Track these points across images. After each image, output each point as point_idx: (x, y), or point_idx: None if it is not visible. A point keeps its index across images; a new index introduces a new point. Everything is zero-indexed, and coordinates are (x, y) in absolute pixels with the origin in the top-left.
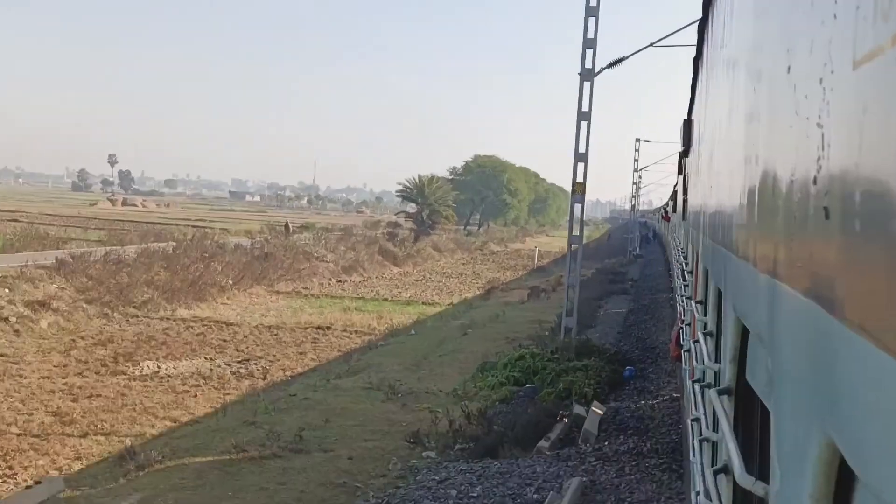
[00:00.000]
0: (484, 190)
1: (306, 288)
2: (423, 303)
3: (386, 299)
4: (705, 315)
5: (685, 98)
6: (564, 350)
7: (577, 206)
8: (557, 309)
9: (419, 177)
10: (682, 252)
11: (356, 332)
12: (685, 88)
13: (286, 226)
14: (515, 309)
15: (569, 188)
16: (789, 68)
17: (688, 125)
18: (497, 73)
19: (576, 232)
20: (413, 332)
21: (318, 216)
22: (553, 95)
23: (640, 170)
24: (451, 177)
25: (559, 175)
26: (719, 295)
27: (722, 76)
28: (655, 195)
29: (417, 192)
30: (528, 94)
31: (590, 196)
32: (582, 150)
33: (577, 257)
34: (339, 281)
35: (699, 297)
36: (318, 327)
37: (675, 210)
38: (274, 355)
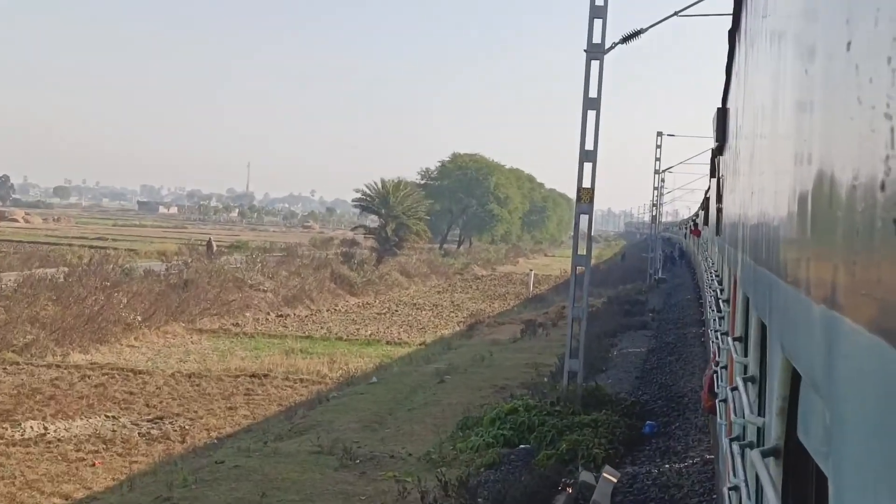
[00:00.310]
0: (465, 198)
1: (237, 325)
2: (387, 342)
3: (340, 338)
4: (745, 356)
5: (718, 81)
6: (568, 401)
7: (584, 218)
8: (559, 349)
9: (382, 182)
10: (716, 275)
11: (302, 380)
12: (718, 69)
13: (209, 244)
14: (506, 349)
15: (572, 195)
16: (849, 44)
17: (722, 115)
18: (481, 55)
19: (581, 251)
20: (375, 379)
21: (252, 233)
22: (554, 83)
23: (663, 171)
24: (422, 181)
25: (560, 180)
26: (763, 330)
27: (765, 53)
28: (682, 204)
29: (380, 201)
30: (521, 81)
31: (599, 205)
32: (589, 146)
33: (584, 283)
34: (280, 315)
35: (737, 333)
36: (253, 375)
37: (706, 222)
38: (195, 411)
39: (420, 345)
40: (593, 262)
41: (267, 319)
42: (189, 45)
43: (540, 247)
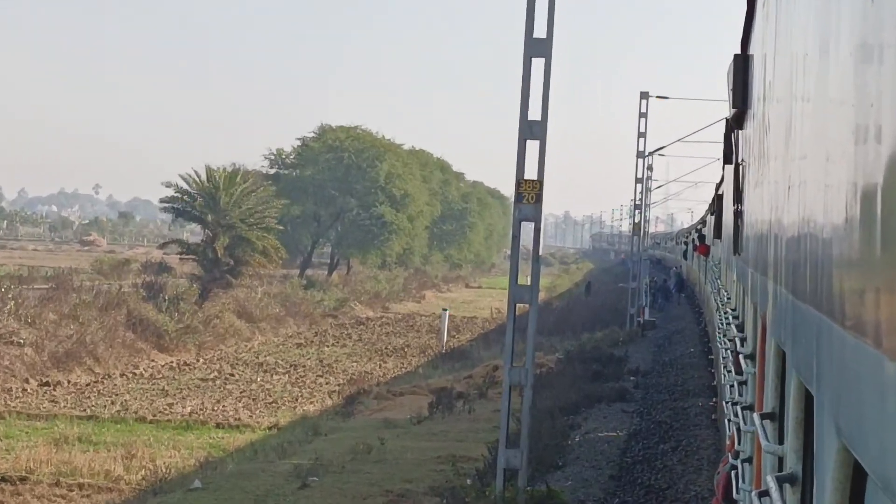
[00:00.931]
0: (340, 196)
1: None
2: (218, 425)
3: (143, 419)
4: (780, 442)
5: (734, 19)
6: None
7: (528, 227)
8: (490, 433)
9: (208, 171)
10: (734, 317)
11: (82, 486)
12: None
13: None
14: (406, 434)
15: (508, 192)
16: None
17: (742, 67)
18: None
19: (524, 279)
20: (199, 484)
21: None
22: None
23: (651, 154)
24: (272, 169)
25: (490, 170)
26: (808, 402)
27: None
28: (680, 205)
29: (205, 201)
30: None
31: (552, 207)
32: (535, 115)
33: (529, 330)
34: (46, 384)
35: (768, 408)
36: (2, 479)
37: (717, 234)
38: None
39: (270, 428)
40: (543, 295)
41: (24, 390)
42: None
43: (458, 273)
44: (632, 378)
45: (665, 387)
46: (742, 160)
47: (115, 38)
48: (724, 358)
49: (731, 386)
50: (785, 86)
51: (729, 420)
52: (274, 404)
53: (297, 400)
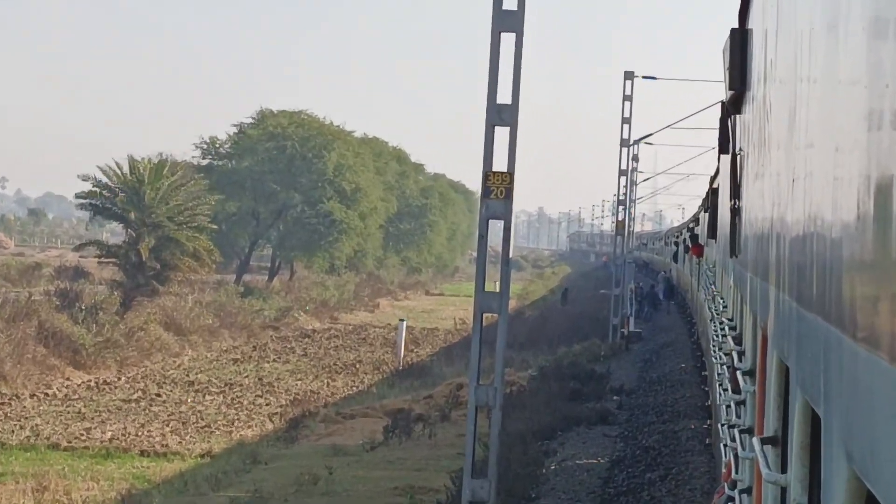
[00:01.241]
0: (282, 190)
1: None
2: (142, 452)
3: (56, 445)
4: (783, 471)
5: None
6: None
7: (497, 226)
8: (453, 461)
9: (131, 162)
10: (731, 328)
11: None
12: None
13: None
14: (358, 463)
15: (474, 186)
16: None
17: (740, 42)
18: None
19: (493, 286)
20: None
21: None
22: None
23: (637, 143)
24: (204, 160)
25: (453, 163)
26: (815, 426)
27: None
28: (670, 200)
29: (128, 197)
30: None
31: (524, 203)
32: (504, 98)
33: (498, 343)
34: None
35: (770, 431)
36: None
37: (712, 233)
38: None
39: (202, 456)
40: (514, 304)
41: None
42: None
43: (417, 278)
44: (615, 398)
45: (652, 407)
46: (740, 149)
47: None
48: (719, 374)
49: (728, 406)
50: (788, 64)
51: (725, 445)
52: (207, 429)
53: (233, 423)
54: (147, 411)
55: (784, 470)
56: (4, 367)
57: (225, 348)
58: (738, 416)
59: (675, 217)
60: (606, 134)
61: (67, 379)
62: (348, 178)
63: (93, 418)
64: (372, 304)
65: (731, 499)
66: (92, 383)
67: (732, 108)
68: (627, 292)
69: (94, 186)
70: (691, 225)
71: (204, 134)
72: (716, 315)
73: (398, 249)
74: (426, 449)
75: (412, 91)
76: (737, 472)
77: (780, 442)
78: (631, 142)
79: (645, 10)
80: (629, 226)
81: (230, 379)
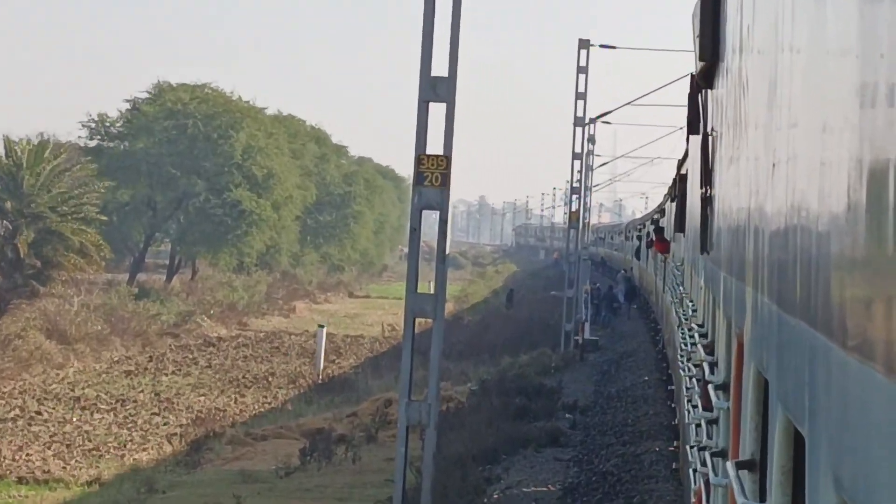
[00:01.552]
0: (183, 176)
1: None
2: (19, 480)
3: None
4: (762, 500)
5: None
6: None
7: (431, 217)
8: (380, 489)
9: (7, 143)
10: (700, 333)
11: None
12: None
13: None
14: (270, 490)
15: (404, 171)
16: None
17: (712, 7)
18: None
19: (425, 287)
20: None
21: None
22: None
23: (593, 121)
24: (92, 141)
25: (381, 146)
26: (798, 446)
27: None
28: (631, 188)
29: (3, 183)
30: None
31: (463, 191)
32: (439, 69)
33: (433, 352)
34: None
35: (745, 454)
36: None
37: (680, 227)
38: None
39: (90, 484)
40: (451, 307)
41: None
42: None
43: (339, 278)
44: (568, 416)
45: (611, 427)
46: (712, 129)
47: None
48: (688, 389)
49: (698, 426)
50: (768, 32)
51: (695, 470)
52: (95, 452)
53: (125, 446)
54: (25, 432)
55: (763, 498)
56: None
57: (116, 359)
58: (710, 437)
59: (638, 207)
60: (558, 112)
61: None
62: (259, 163)
63: None
64: (287, 307)
65: None
66: None
67: (703, 81)
68: (582, 294)
69: None
70: (656, 216)
71: (92, 111)
72: (684, 320)
73: (317, 245)
74: (349, 475)
75: (333, 61)
76: (708, 502)
77: (757, 466)
78: (586, 120)
79: None
80: (584, 217)
81: (122, 394)
